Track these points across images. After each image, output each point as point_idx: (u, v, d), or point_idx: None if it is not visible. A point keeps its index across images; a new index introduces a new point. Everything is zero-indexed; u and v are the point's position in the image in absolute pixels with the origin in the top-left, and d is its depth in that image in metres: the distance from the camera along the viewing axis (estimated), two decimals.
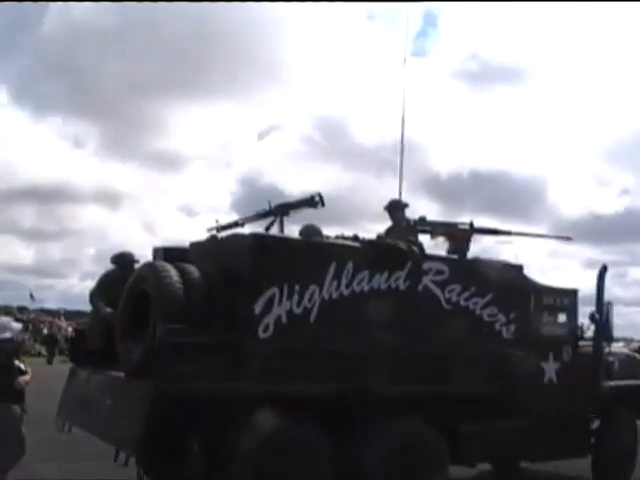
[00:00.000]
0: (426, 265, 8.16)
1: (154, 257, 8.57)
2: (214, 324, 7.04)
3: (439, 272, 8.19)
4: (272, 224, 8.32)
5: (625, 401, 10.16)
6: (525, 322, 8.90)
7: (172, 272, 7.20)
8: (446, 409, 8.09)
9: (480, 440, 8.51)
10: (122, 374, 7.52)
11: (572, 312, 9.76)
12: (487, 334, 8.51)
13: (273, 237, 7.84)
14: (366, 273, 7.71)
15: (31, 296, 49.41)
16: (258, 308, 7.12)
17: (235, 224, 8.62)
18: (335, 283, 7.53)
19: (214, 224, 8.66)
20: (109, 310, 8.28)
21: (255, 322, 7.10)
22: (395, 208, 8.97)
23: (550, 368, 9.33)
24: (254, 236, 7.49)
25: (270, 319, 7.17)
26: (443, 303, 8.21)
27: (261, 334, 7.14)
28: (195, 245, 8.30)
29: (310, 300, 7.38)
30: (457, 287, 8.30)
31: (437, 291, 8.18)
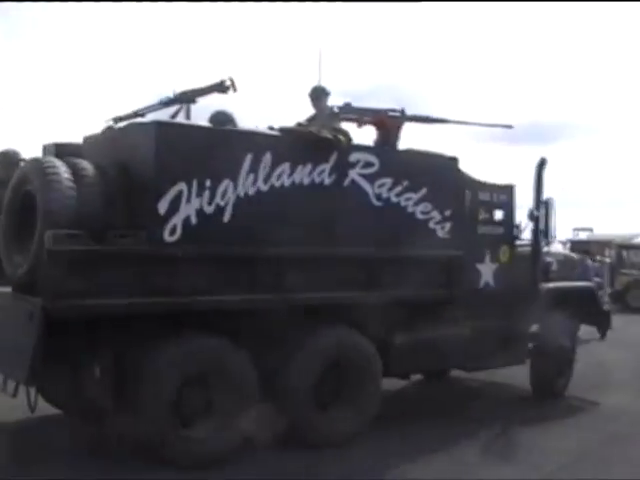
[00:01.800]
0: (353, 156, 7.25)
1: (44, 155, 7.46)
2: (112, 229, 6.04)
3: (368, 164, 7.32)
4: (177, 113, 7.26)
5: (563, 304, 9.62)
6: (461, 220, 8.15)
7: (61, 169, 6.12)
8: (377, 317, 7.34)
9: (413, 350, 7.82)
10: (8, 289, 6.52)
11: (509, 209, 9.11)
12: (420, 233, 7.72)
13: (178, 124, 6.70)
14: (287, 166, 6.78)
15: None
16: (163, 208, 6.12)
17: (134, 115, 7.50)
18: (251, 177, 6.58)
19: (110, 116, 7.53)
20: None
21: (160, 224, 6.13)
22: (318, 95, 7.99)
23: (487, 270, 8.70)
24: (156, 124, 6.39)
25: (177, 220, 6.19)
26: (372, 199, 7.38)
27: (167, 237, 6.16)
28: (89, 139, 7.20)
29: (223, 197, 6.43)
30: (388, 181, 7.45)
31: (366, 186, 7.32)
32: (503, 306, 8.72)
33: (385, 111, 7.88)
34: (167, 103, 7.25)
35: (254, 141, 6.73)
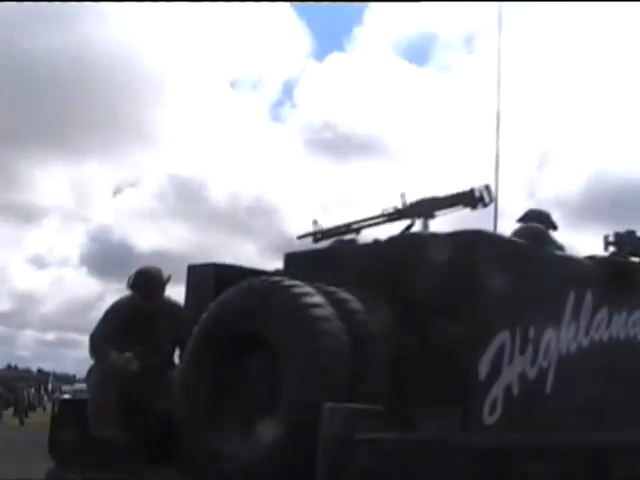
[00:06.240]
0: None
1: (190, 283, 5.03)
2: (402, 400, 3.67)
3: None
4: (409, 229, 4.96)
5: None
6: None
7: (317, 298, 3.78)
8: None
9: None
10: None
11: None
12: None
13: (511, 241, 4.35)
14: (605, 311, 4.61)
15: None
16: (484, 370, 3.82)
17: (346, 230, 5.10)
18: (573, 327, 4.36)
19: (311, 228, 5.15)
20: (136, 361, 4.68)
21: (480, 396, 3.80)
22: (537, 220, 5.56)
23: None
24: (481, 235, 4.11)
25: (498, 389, 3.89)
26: None
27: (486, 418, 3.83)
28: (303, 256, 4.79)
29: (546, 355, 4.17)
30: None
31: None
32: None
33: None
34: (393, 216, 4.93)
35: (577, 273, 4.54)
